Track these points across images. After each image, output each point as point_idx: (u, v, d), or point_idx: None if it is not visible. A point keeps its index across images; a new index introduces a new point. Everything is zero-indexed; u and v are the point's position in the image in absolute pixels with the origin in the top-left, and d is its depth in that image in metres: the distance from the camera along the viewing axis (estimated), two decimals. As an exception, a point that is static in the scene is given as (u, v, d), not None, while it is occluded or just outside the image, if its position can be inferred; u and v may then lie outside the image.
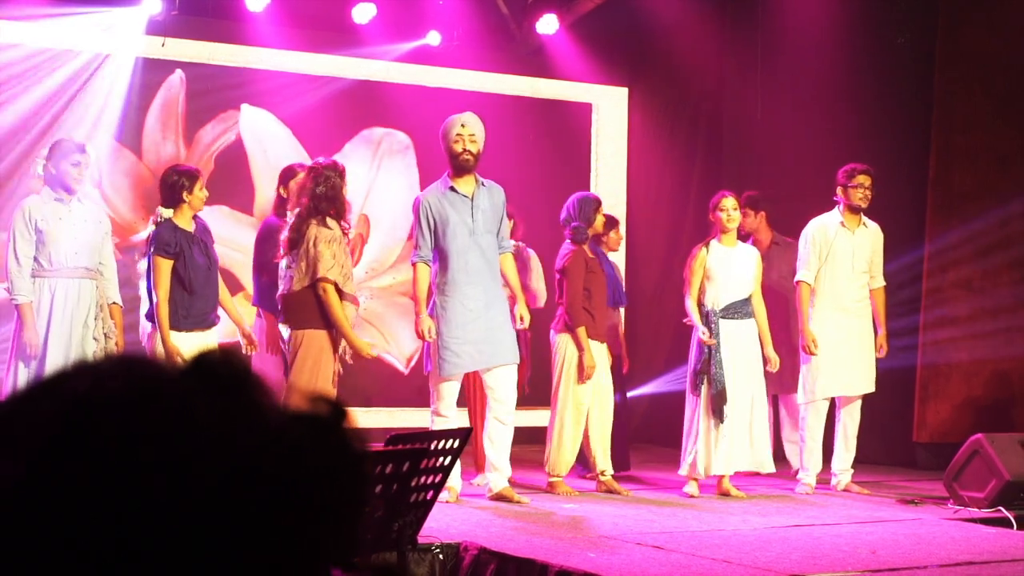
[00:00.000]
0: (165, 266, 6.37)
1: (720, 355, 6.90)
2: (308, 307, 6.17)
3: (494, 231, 6.60)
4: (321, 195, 6.16)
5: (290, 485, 0.73)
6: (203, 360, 0.77)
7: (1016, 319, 8.20)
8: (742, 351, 6.99)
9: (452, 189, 6.54)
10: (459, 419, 6.59)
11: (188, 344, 6.33)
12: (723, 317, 6.98)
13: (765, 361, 7.08)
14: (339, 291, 6.17)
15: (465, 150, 6.50)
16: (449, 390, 6.52)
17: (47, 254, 6.39)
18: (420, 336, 6.51)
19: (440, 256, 6.51)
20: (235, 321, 6.78)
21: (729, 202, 7.08)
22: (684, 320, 7.15)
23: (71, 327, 6.39)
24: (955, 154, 8.45)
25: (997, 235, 8.27)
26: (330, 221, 6.17)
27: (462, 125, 6.55)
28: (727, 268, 7.03)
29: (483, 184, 6.61)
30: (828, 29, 9.33)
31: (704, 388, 6.90)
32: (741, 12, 10.23)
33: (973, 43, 8.43)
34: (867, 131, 8.91)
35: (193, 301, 6.45)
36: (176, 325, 6.36)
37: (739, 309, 7.03)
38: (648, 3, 10.03)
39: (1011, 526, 6.17)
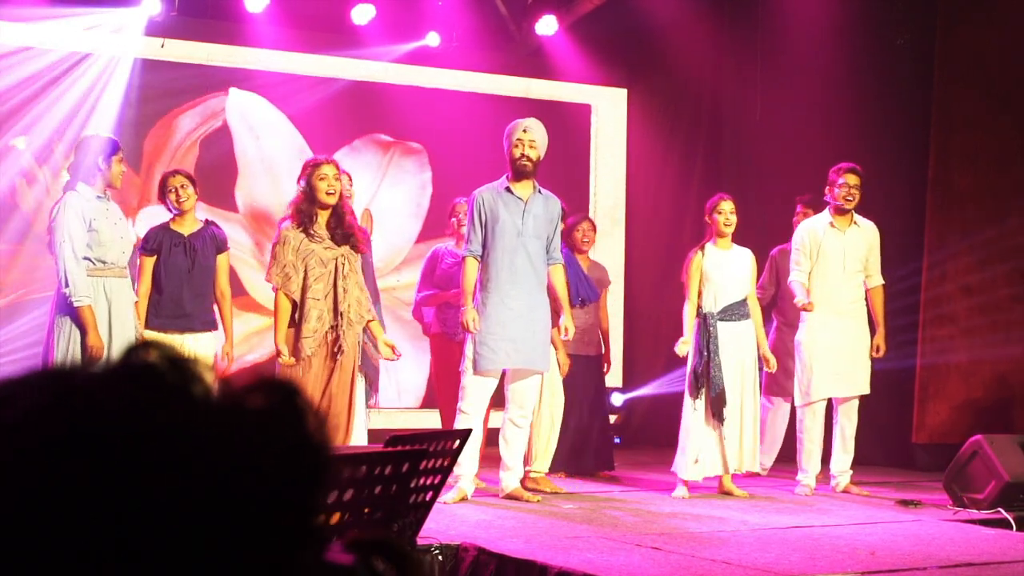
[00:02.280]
0: (145, 263, 6.55)
1: (719, 358, 6.91)
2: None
3: (543, 238, 6.61)
4: (296, 198, 6.27)
5: (219, 471, 0.72)
6: (130, 356, 0.76)
7: (1015, 319, 8.19)
8: (738, 353, 7.00)
9: (508, 190, 6.59)
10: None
11: None
12: (721, 319, 6.99)
13: (764, 362, 7.10)
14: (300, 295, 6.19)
15: (523, 155, 6.54)
16: (480, 388, 6.50)
17: (101, 252, 6.10)
18: (465, 328, 6.52)
19: (487, 254, 6.55)
20: (226, 334, 6.79)
21: (728, 205, 7.08)
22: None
23: (123, 328, 6.18)
24: (955, 154, 8.44)
25: (996, 235, 8.26)
26: (285, 224, 6.24)
27: (523, 130, 6.59)
28: (723, 270, 7.03)
29: (540, 192, 6.66)
30: (828, 29, 9.32)
31: (704, 391, 6.91)
32: (740, 12, 10.22)
33: (972, 43, 8.42)
34: (867, 131, 8.91)
35: (161, 300, 6.52)
36: (147, 323, 6.47)
37: (736, 311, 7.04)
38: (647, 4, 10.03)
39: (1011, 527, 6.16)
